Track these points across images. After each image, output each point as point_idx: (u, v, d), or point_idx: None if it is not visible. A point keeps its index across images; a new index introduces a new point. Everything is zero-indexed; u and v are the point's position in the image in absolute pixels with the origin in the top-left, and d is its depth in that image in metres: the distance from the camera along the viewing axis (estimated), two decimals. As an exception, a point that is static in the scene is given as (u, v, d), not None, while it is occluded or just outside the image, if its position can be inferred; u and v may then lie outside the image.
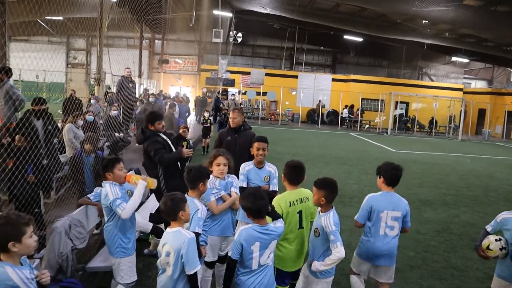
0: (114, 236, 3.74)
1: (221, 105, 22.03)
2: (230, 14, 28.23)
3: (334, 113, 31.52)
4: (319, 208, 3.57)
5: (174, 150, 5.45)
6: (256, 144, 4.67)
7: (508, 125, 31.31)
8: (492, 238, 3.96)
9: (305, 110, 31.67)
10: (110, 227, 3.76)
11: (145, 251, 5.40)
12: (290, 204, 3.70)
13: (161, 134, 5.42)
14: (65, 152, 7.80)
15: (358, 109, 30.34)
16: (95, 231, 5.75)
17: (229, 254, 3.21)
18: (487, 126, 30.63)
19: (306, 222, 3.78)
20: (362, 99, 30.35)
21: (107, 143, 8.99)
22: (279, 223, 3.31)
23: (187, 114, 16.27)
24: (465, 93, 33.74)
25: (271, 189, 4.61)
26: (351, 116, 30.29)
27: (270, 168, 4.75)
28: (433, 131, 29.86)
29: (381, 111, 29.93)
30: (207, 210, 3.94)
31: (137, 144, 12.95)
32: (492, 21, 20.15)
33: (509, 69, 36.08)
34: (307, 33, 34.23)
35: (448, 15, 18.77)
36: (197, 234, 3.26)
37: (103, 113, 10.94)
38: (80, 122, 7.63)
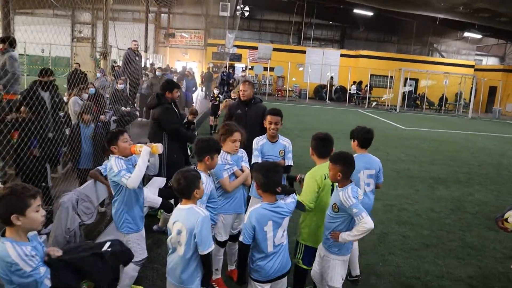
0: (121, 211, 3.60)
1: (231, 81, 21.62)
2: (237, -14, 27.59)
3: (342, 90, 31.07)
4: (337, 183, 3.39)
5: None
6: (269, 118, 4.41)
7: (520, 102, 30.75)
8: None
9: (312, 86, 31.22)
10: (117, 202, 3.62)
11: (154, 227, 5.29)
12: (325, 177, 3.51)
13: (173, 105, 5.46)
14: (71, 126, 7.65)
15: (366, 86, 29.86)
16: (100, 209, 5.60)
17: (241, 239, 3.01)
18: (498, 104, 30.09)
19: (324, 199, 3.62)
20: (371, 75, 29.85)
21: (114, 117, 8.82)
22: (290, 199, 3.14)
23: (194, 89, 16.02)
24: (476, 70, 33.00)
25: (286, 163, 4.41)
26: (359, 92, 29.85)
27: (284, 141, 4.51)
28: (442, 108, 29.42)
29: (390, 87, 29.44)
30: (219, 187, 3.79)
31: (143, 119, 12.77)
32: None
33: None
34: (315, 7, 33.50)
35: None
36: None
37: (110, 87, 10.73)
38: (85, 96, 7.43)
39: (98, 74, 11.51)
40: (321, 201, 3.53)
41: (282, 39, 36.26)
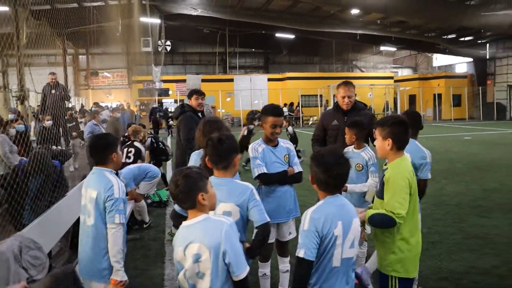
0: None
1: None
2: (158, 21, 26.97)
3: (274, 113, 31.14)
4: (352, 147, 3.86)
5: None
6: (271, 119, 3.36)
7: (439, 107, 32.71)
8: None
9: (244, 113, 30.96)
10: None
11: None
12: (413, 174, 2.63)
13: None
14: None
15: (297, 106, 30.23)
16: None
17: (299, 253, 2.11)
18: (420, 110, 31.79)
19: (415, 202, 2.66)
20: (300, 95, 30.27)
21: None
22: None
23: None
24: (395, 81, 34.86)
25: (296, 170, 3.42)
26: (291, 113, 30.09)
27: (286, 144, 3.53)
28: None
29: (320, 106, 29.97)
30: None
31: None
32: (421, 5, 20.80)
33: (430, 54, 38.02)
34: (238, 35, 33.70)
35: (381, 1, 19.01)
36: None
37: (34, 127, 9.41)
38: (13, 131, 6.21)
39: (11, 116, 10.10)
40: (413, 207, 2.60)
41: (207, 70, 35.97)
